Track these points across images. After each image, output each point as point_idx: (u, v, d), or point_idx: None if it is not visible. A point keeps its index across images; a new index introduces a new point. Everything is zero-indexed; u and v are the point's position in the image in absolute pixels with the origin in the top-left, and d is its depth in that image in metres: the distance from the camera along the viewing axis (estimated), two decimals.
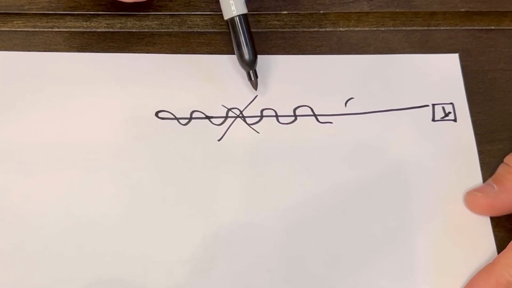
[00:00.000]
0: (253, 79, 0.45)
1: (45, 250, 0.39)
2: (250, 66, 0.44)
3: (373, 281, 0.39)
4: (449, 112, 0.45)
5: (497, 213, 0.41)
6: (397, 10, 0.50)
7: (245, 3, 0.44)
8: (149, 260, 0.39)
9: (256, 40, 0.48)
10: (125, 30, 0.49)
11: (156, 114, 0.45)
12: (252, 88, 0.45)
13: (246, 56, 0.44)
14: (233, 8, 0.44)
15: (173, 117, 0.45)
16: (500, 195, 0.40)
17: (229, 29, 0.44)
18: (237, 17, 0.44)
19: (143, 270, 0.39)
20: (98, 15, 0.49)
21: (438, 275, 0.39)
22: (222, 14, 0.45)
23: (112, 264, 0.39)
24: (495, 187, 0.41)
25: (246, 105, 0.45)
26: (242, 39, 0.44)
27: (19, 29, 0.47)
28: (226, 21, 0.44)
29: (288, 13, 0.49)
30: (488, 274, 0.38)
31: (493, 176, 0.42)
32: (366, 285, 0.39)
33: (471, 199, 0.41)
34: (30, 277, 0.39)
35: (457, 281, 0.39)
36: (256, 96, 0.46)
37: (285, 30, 0.49)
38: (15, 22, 0.48)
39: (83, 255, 0.39)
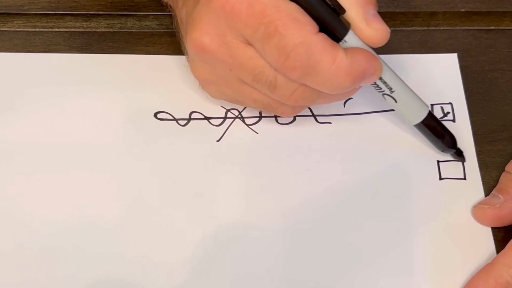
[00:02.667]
0: (460, 155, 0.43)
1: (45, 251, 0.39)
2: (455, 147, 0.43)
3: (373, 281, 0.39)
4: (448, 112, 0.45)
5: (507, 222, 0.41)
6: (397, 10, 0.50)
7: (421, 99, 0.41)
8: (148, 261, 0.39)
9: None
10: (125, 30, 0.49)
11: (155, 115, 0.45)
12: None
13: (449, 141, 0.42)
14: (420, 107, 0.41)
15: (172, 118, 0.45)
16: (507, 204, 0.40)
17: (420, 129, 0.42)
18: (427, 118, 0.41)
19: (143, 271, 0.39)
20: (98, 15, 0.49)
21: (437, 275, 0.39)
22: None
23: (112, 264, 0.39)
24: (501, 197, 0.41)
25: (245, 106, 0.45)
26: (441, 129, 0.42)
27: (19, 29, 0.48)
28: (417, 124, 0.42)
29: None
30: (487, 274, 0.38)
31: (497, 186, 0.42)
32: (366, 285, 0.39)
33: (479, 213, 0.41)
34: (30, 277, 0.39)
35: (456, 281, 0.39)
36: None
37: None
38: (15, 22, 0.48)
39: (83, 255, 0.39)
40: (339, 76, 0.36)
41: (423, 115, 0.41)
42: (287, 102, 0.39)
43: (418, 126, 0.42)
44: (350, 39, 0.37)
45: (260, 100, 0.40)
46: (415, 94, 0.41)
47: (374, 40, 0.37)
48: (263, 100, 0.40)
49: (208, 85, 0.42)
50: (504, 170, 0.43)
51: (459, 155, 0.43)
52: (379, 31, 0.37)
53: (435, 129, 0.42)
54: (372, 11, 0.37)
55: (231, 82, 0.40)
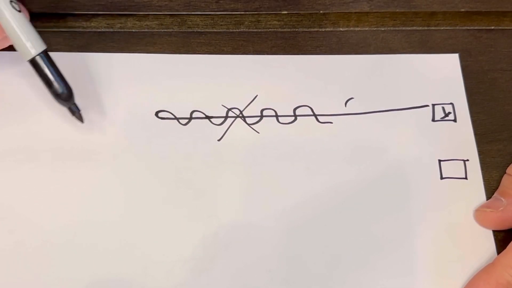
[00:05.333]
0: (76, 113, 0.42)
1: (45, 250, 0.39)
2: (68, 100, 0.42)
3: (373, 281, 0.39)
4: (449, 112, 0.45)
5: (510, 225, 0.41)
6: (397, 10, 0.50)
7: (41, 38, 0.41)
8: (149, 260, 0.39)
9: (256, 40, 0.48)
10: (125, 30, 0.49)
11: (156, 114, 0.45)
12: (252, 88, 0.45)
13: (60, 90, 0.41)
14: (30, 47, 0.40)
15: (173, 117, 0.45)
16: (510, 208, 0.40)
17: (33, 69, 0.41)
18: (38, 56, 0.40)
19: (143, 270, 0.39)
20: (98, 15, 0.49)
21: (438, 276, 0.39)
22: (222, 14, 0.45)
23: (112, 263, 0.39)
24: (503, 200, 0.41)
25: (246, 105, 0.45)
26: (50, 76, 0.41)
27: (36, 29, 0.47)
28: (28, 62, 0.41)
29: (288, 13, 0.49)
30: (488, 274, 0.38)
31: (499, 189, 0.42)
32: (367, 285, 0.39)
33: (482, 216, 0.41)
34: (30, 277, 0.39)
35: (457, 281, 0.39)
36: (256, 96, 0.46)
37: (285, 30, 0.49)
38: None
39: (83, 254, 0.39)
40: None
41: (31, 54, 0.40)
42: None
43: (31, 62, 0.41)
44: None
45: None
46: (34, 29, 0.40)
47: None
48: None
49: None
50: (505, 173, 0.43)
51: (73, 113, 0.42)
52: None
53: (44, 73, 0.41)
54: None
55: None
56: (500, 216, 0.40)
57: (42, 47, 0.41)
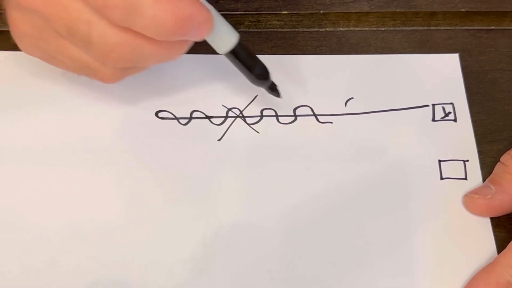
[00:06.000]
0: (274, 90, 0.43)
1: (45, 250, 0.39)
2: (268, 79, 0.42)
3: (373, 281, 0.39)
4: (449, 112, 0.45)
5: (496, 213, 0.41)
6: (397, 10, 0.50)
7: (232, 26, 0.40)
8: (149, 260, 0.39)
9: (256, 40, 0.48)
10: None
11: (156, 114, 0.45)
12: (253, 88, 0.45)
13: (260, 72, 0.42)
14: (228, 38, 0.40)
15: (173, 117, 0.45)
16: (498, 196, 0.40)
17: (231, 59, 0.41)
18: (237, 46, 0.40)
19: (143, 270, 0.39)
20: None
21: (438, 275, 0.39)
22: (222, 14, 0.44)
23: (112, 264, 0.39)
24: (492, 188, 0.41)
25: (246, 105, 0.45)
26: (249, 61, 0.41)
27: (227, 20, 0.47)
28: (226, 54, 0.41)
29: (288, 13, 0.49)
30: (488, 274, 0.38)
31: (490, 177, 0.42)
32: (367, 285, 0.39)
33: (470, 202, 0.41)
34: (30, 277, 0.39)
35: (457, 281, 0.39)
36: (256, 96, 0.46)
37: (285, 30, 0.49)
38: None
39: (83, 255, 0.39)
40: (163, 14, 0.34)
41: (230, 45, 0.40)
42: (106, 61, 0.37)
43: (227, 55, 0.41)
44: None
45: (78, 59, 0.38)
46: (226, 21, 0.40)
47: None
48: (81, 58, 0.38)
49: (23, 38, 0.39)
50: (499, 161, 0.43)
51: (272, 89, 0.43)
52: None
53: (243, 61, 0.41)
54: None
55: (47, 34, 0.37)
56: (488, 203, 0.41)
57: (236, 37, 0.40)
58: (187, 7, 0.35)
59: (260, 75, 0.42)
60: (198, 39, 0.38)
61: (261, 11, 0.49)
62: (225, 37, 0.40)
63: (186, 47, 0.39)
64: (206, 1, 0.38)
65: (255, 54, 0.42)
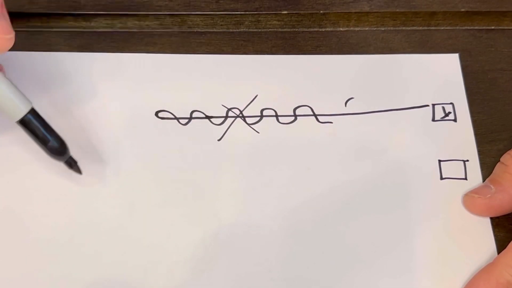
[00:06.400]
0: (74, 167, 0.40)
1: (45, 250, 0.39)
2: (64, 155, 0.40)
3: (373, 281, 0.39)
4: (449, 112, 0.45)
5: (496, 213, 0.41)
6: (397, 10, 0.50)
7: (24, 96, 0.38)
8: (149, 260, 0.39)
9: (256, 40, 0.48)
10: (125, 30, 0.49)
11: (156, 114, 0.45)
12: (252, 88, 0.45)
13: (56, 145, 0.39)
14: (19, 106, 0.38)
15: (173, 117, 0.45)
16: (498, 195, 0.40)
17: (24, 129, 0.39)
18: (29, 115, 0.38)
19: (143, 270, 0.39)
20: (98, 15, 0.49)
21: (438, 275, 0.39)
22: (222, 14, 0.45)
23: (112, 264, 0.39)
24: (492, 187, 0.41)
25: (246, 105, 0.45)
26: (43, 132, 0.38)
27: (19, 29, 0.47)
28: (17, 123, 0.38)
29: (288, 13, 0.49)
30: (488, 274, 0.38)
31: (490, 177, 0.42)
32: (367, 285, 0.39)
33: (469, 201, 0.41)
34: (30, 276, 0.39)
35: (457, 281, 0.39)
36: (256, 96, 0.46)
37: (285, 30, 0.49)
38: (15, 22, 0.47)
39: (83, 254, 0.39)
40: None
41: (21, 113, 0.38)
42: None
43: (20, 124, 0.38)
44: None
45: None
46: (17, 89, 0.38)
47: None
48: None
49: None
50: (499, 161, 0.43)
51: (71, 165, 0.40)
52: None
53: (36, 131, 0.38)
54: None
55: None
56: (487, 203, 0.41)
57: (28, 106, 0.38)
58: None
59: (55, 149, 0.39)
60: None
61: (261, 11, 0.49)
62: (14, 107, 0.38)
63: None
64: None
65: None
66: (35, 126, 0.38)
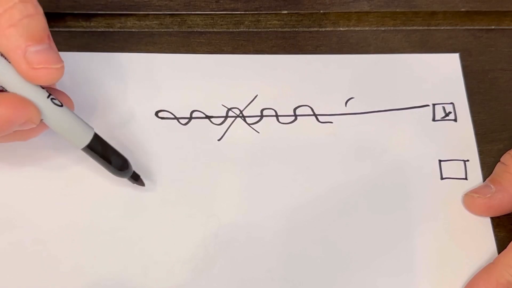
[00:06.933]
0: (138, 181, 0.41)
1: (45, 250, 0.39)
2: (127, 171, 0.41)
3: (373, 280, 0.39)
4: (450, 112, 0.45)
5: (496, 213, 0.41)
6: (397, 10, 0.50)
7: (86, 124, 0.40)
8: (149, 260, 0.39)
9: (256, 40, 0.48)
10: (125, 30, 0.49)
11: (156, 113, 0.45)
12: (252, 88, 0.45)
13: (120, 165, 0.40)
14: (81, 138, 0.39)
15: (173, 116, 0.44)
16: (498, 195, 0.40)
17: (89, 154, 0.40)
18: (93, 139, 0.39)
19: (143, 270, 0.39)
20: (98, 15, 0.49)
21: (438, 275, 0.39)
22: (222, 14, 0.45)
23: (112, 264, 0.39)
24: (492, 187, 0.41)
25: (246, 105, 0.45)
26: (109, 153, 0.40)
27: (79, 117, 0.47)
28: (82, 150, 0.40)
29: (288, 13, 0.49)
30: (488, 274, 0.38)
31: (490, 176, 0.42)
32: (367, 284, 0.39)
33: (469, 201, 0.41)
34: (30, 277, 0.39)
35: (457, 281, 0.39)
36: (256, 96, 0.45)
37: (285, 30, 0.49)
38: None
39: (83, 255, 0.39)
40: None
41: (86, 141, 0.39)
42: None
43: (85, 150, 0.40)
44: (9, 80, 0.36)
45: None
46: (78, 118, 0.39)
47: (35, 78, 0.36)
48: None
49: None
50: (499, 161, 0.43)
51: (135, 179, 0.41)
52: (39, 70, 0.36)
53: (101, 153, 0.40)
54: (36, 47, 0.36)
55: None
56: (487, 202, 0.41)
57: (91, 132, 0.39)
58: (7, 110, 0.36)
59: (120, 167, 0.40)
60: (30, 128, 0.38)
61: (261, 11, 0.49)
62: (79, 133, 0.39)
63: (31, 134, 0.39)
64: (58, 101, 0.38)
65: (113, 147, 0.41)
66: (99, 150, 0.40)
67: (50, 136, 0.43)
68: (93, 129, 0.40)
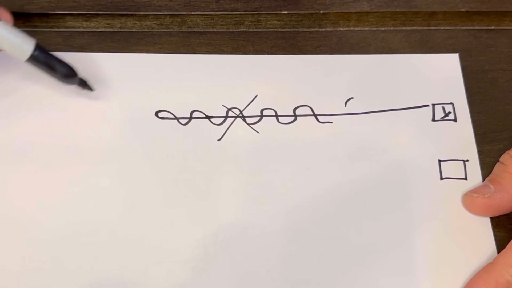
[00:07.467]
0: (86, 86, 0.44)
1: (45, 250, 0.39)
2: (74, 77, 0.43)
3: (373, 281, 0.39)
4: (449, 112, 0.45)
5: (496, 213, 0.41)
6: (397, 10, 0.50)
7: (26, 34, 0.42)
8: (149, 260, 0.39)
9: (256, 40, 0.48)
10: (125, 30, 0.49)
11: (156, 114, 0.45)
12: (252, 88, 0.45)
13: (66, 72, 0.43)
14: (24, 49, 0.41)
15: (173, 117, 0.45)
16: (497, 195, 0.40)
17: (34, 65, 0.42)
18: (35, 52, 0.42)
19: (143, 270, 0.39)
20: (98, 15, 0.49)
21: (438, 275, 0.39)
22: (222, 14, 0.45)
23: (112, 264, 0.39)
24: (492, 187, 0.41)
25: (246, 105, 0.45)
26: (52, 64, 0.42)
27: (19, 29, 0.47)
28: (26, 62, 0.42)
29: (288, 13, 0.50)
30: (488, 273, 0.38)
31: (490, 176, 0.42)
32: (367, 284, 0.39)
33: (468, 201, 0.41)
34: (30, 276, 0.39)
35: (457, 280, 0.39)
36: (256, 96, 0.46)
37: (285, 30, 0.49)
38: (15, 22, 0.47)
39: (83, 255, 0.39)
40: None
41: (29, 52, 0.41)
42: None
43: (29, 61, 0.41)
44: None
45: None
46: (19, 30, 0.41)
47: None
48: None
49: None
50: (498, 161, 0.43)
51: (83, 85, 0.43)
52: None
53: (46, 63, 0.42)
54: None
55: None
56: (486, 202, 0.41)
57: (32, 43, 0.41)
58: None
59: (66, 74, 0.43)
60: None
61: (261, 11, 0.49)
62: (20, 47, 0.41)
63: None
64: None
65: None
66: (43, 60, 0.42)
67: (49, 136, 0.43)
68: (35, 39, 0.41)
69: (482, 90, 0.46)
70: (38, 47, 0.42)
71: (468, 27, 0.49)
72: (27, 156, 0.43)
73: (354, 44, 0.48)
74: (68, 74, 0.42)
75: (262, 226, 0.41)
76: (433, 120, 0.45)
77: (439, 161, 0.43)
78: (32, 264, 0.39)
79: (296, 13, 0.50)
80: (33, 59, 0.41)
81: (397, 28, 0.49)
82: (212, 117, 0.45)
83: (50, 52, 0.42)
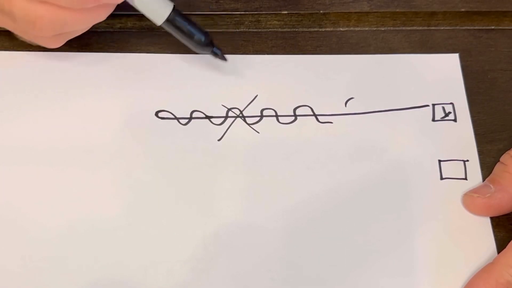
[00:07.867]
0: (219, 55, 0.44)
1: (45, 250, 0.39)
2: (210, 45, 0.44)
3: (373, 280, 0.39)
4: (449, 112, 0.45)
5: (496, 213, 0.41)
6: (397, 10, 0.50)
7: None
8: (149, 260, 0.39)
9: (256, 40, 0.48)
10: (125, 30, 0.49)
11: (156, 114, 0.45)
12: (252, 88, 0.45)
13: (202, 38, 0.43)
14: (163, 8, 0.42)
15: (173, 117, 0.45)
16: (497, 195, 0.40)
17: (168, 30, 0.43)
18: (172, 13, 0.42)
19: (143, 270, 0.39)
20: None
21: (438, 275, 0.39)
22: (222, 14, 0.45)
23: (112, 264, 0.39)
24: (492, 187, 0.41)
25: (246, 105, 0.45)
26: (189, 28, 0.43)
27: None
28: (163, 24, 0.43)
29: (288, 13, 0.50)
30: (488, 274, 0.38)
31: (490, 176, 0.42)
32: (367, 284, 0.39)
33: (469, 201, 0.41)
34: (30, 276, 0.39)
35: (457, 280, 0.39)
36: (256, 96, 0.46)
37: (285, 30, 0.49)
38: None
39: (83, 254, 0.39)
40: None
41: (166, 14, 0.42)
42: (34, 32, 0.40)
43: (165, 25, 0.42)
44: None
45: (15, 29, 0.42)
46: None
47: None
48: (16, 29, 0.41)
49: None
50: (499, 161, 0.43)
51: (216, 54, 0.44)
52: None
53: (181, 28, 0.42)
54: None
55: None
56: (486, 202, 0.41)
57: (170, 6, 0.41)
58: None
59: (201, 41, 0.43)
60: (117, 1, 0.40)
61: (261, 11, 0.49)
62: (158, 7, 0.42)
63: (108, 10, 0.41)
64: None
65: (195, 22, 0.43)
66: (180, 23, 0.42)
67: (49, 136, 0.43)
68: (172, 4, 0.41)
69: (482, 90, 0.46)
70: (175, 11, 0.42)
71: (468, 27, 0.49)
72: (27, 156, 0.42)
73: (354, 44, 0.48)
74: (203, 43, 0.43)
75: (262, 226, 0.41)
76: (433, 120, 0.45)
77: (439, 161, 0.43)
78: (32, 263, 0.39)
79: (296, 13, 0.50)
80: (169, 22, 0.42)
81: (397, 28, 0.49)
82: (212, 117, 0.45)
83: (187, 17, 0.42)
